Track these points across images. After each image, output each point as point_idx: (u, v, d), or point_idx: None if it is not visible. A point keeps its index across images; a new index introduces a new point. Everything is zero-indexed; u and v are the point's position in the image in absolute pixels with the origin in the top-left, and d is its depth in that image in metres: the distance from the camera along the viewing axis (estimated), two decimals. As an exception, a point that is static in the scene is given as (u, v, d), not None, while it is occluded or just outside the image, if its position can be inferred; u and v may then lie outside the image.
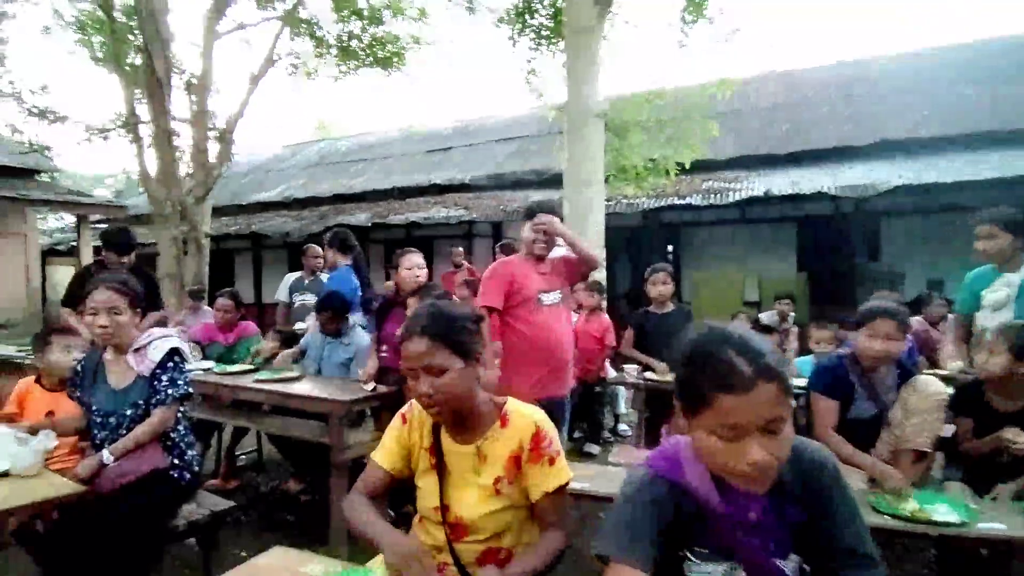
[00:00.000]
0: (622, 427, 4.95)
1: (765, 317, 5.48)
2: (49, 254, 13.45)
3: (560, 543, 1.34)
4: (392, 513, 2.89)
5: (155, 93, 7.78)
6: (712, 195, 7.72)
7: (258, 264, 12.20)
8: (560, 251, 2.99)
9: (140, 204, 12.19)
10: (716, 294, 8.11)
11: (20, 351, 4.25)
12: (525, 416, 1.40)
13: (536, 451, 1.35)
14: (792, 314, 5.41)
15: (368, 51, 9.64)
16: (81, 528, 1.89)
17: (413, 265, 3.22)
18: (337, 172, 13.64)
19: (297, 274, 5.31)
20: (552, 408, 2.59)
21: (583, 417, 4.50)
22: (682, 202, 7.79)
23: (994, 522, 1.65)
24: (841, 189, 6.84)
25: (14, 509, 1.72)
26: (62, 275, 12.80)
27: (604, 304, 4.60)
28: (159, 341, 2.11)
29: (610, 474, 2.20)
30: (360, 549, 1.54)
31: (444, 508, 1.38)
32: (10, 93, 11.09)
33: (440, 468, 1.40)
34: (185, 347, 2.21)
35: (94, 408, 2.11)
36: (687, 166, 6.38)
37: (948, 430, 2.23)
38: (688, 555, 1.04)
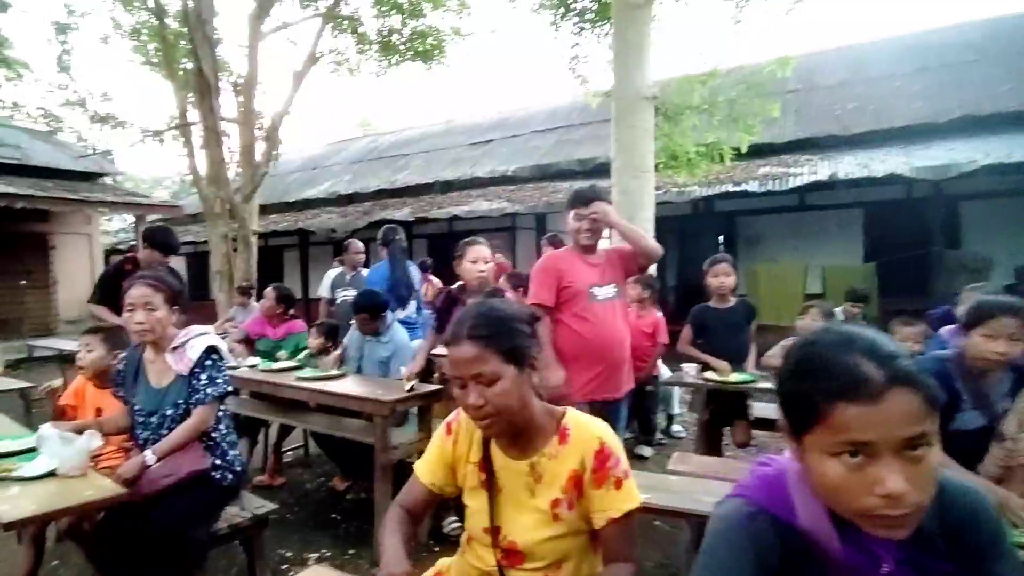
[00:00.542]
0: (676, 428, 4.69)
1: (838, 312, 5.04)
2: (112, 253, 14.16)
3: None
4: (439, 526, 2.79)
5: (204, 95, 7.96)
6: (770, 181, 7.26)
7: (305, 260, 12.44)
8: (605, 242, 2.77)
9: (194, 203, 12.64)
10: (775, 287, 7.60)
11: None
12: (587, 430, 1.21)
13: (601, 472, 1.17)
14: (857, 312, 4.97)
15: (409, 45, 9.65)
16: (124, 530, 1.89)
17: (478, 258, 2.87)
18: (380, 167, 13.75)
19: (339, 270, 5.27)
20: (606, 411, 2.41)
21: (634, 417, 4.27)
22: (737, 189, 7.35)
23: None
24: (918, 171, 6.26)
25: (58, 512, 1.70)
26: (124, 273, 13.41)
27: (655, 298, 4.36)
28: (196, 339, 2.06)
29: (670, 485, 2.00)
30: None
31: (495, 530, 1.23)
32: (76, 101, 11.76)
33: (491, 486, 1.25)
34: (223, 344, 2.15)
35: (136, 407, 2.09)
36: (743, 150, 5.98)
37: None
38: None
